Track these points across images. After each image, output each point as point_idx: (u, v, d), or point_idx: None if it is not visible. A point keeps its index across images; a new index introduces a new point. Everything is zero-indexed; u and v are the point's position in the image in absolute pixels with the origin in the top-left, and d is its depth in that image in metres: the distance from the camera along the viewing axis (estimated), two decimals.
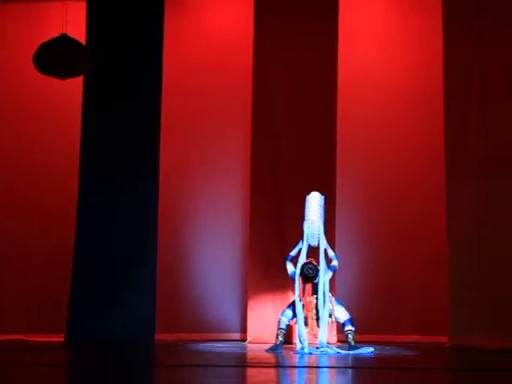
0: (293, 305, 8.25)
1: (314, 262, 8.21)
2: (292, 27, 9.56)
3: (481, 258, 9.07)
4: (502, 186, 9.13)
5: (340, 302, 8.39)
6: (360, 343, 8.32)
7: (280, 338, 8.24)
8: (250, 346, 8.89)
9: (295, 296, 8.16)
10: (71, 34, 8.74)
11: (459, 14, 9.44)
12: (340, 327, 8.58)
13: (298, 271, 8.15)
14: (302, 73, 9.53)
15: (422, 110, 9.77)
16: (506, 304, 8.92)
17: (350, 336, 8.24)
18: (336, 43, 9.54)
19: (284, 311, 8.35)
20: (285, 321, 8.28)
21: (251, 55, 9.61)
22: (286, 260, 8.37)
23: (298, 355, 7.84)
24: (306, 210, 8.25)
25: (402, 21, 9.99)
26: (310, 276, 8.15)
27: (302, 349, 7.97)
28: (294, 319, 8.23)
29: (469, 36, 9.35)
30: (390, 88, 9.89)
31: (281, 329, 8.27)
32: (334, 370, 6.84)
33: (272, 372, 6.74)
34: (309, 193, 8.40)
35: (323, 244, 8.23)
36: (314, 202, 8.25)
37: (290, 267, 8.31)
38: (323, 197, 8.37)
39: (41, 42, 8.70)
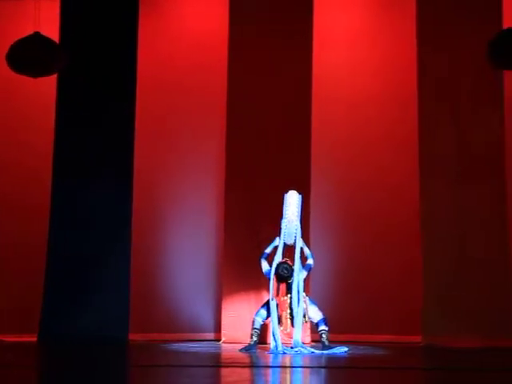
0: (267, 304, 8.25)
1: (289, 262, 8.20)
2: (266, 27, 9.56)
3: (454, 259, 9.13)
4: (474, 188, 9.20)
5: (314, 301, 8.39)
6: (334, 343, 8.34)
7: (254, 338, 8.24)
8: (224, 346, 8.88)
9: (269, 295, 8.16)
10: (44, 33, 8.69)
11: (432, 15, 9.49)
12: (314, 327, 8.59)
13: (272, 270, 8.15)
14: (276, 72, 9.53)
15: (398, 111, 9.81)
16: (479, 304, 8.99)
17: (323, 336, 8.25)
18: (310, 43, 9.55)
19: (258, 311, 8.34)
20: (259, 321, 8.27)
21: (226, 54, 9.59)
22: (261, 258, 8.36)
23: (272, 355, 7.84)
24: (284, 208, 8.25)
25: (377, 21, 10.02)
26: (284, 276, 8.15)
27: (276, 348, 7.97)
28: (269, 319, 8.23)
29: (442, 38, 9.41)
30: (364, 89, 9.91)
31: (255, 328, 8.26)
32: (308, 370, 6.85)
33: (246, 372, 6.73)
34: (284, 192, 8.41)
35: (299, 243, 8.24)
36: (292, 201, 8.25)
37: (264, 265, 8.29)
38: (300, 196, 8.38)
39: (14, 41, 8.64)
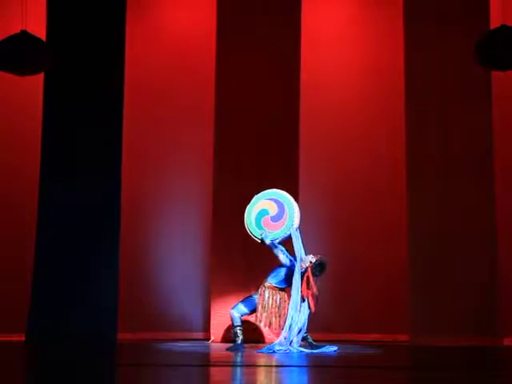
0: (248, 300, 8.22)
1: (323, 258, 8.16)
2: (254, 28, 9.59)
3: (441, 258, 9.17)
4: (462, 187, 9.24)
5: None
6: (322, 342, 8.35)
7: (240, 337, 8.21)
8: (212, 345, 8.88)
9: (296, 293, 7.99)
10: (31, 31, 8.64)
11: (420, 15, 9.53)
12: None
13: (298, 265, 8.03)
14: (264, 72, 9.55)
15: (385, 110, 9.84)
16: (465, 303, 9.03)
17: (309, 337, 8.24)
18: (298, 43, 9.58)
19: (237, 305, 8.29)
20: (238, 316, 8.22)
21: (214, 55, 9.60)
22: (282, 250, 8.22)
23: (261, 354, 7.84)
24: (295, 214, 8.23)
25: (364, 21, 10.04)
26: (320, 274, 8.12)
27: (269, 348, 7.98)
28: (245, 316, 8.24)
29: (428, 37, 9.44)
30: (352, 88, 9.94)
31: (238, 326, 8.21)
32: (297, 369, 6.85)
33: (235, 371, 6.73)
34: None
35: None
36: (298, 213, 8.27)
37: (283, 257, 8.15)
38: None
39: (0, 39, 8.59)
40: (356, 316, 9.56)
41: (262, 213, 8.36)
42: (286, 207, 8.26)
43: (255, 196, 8.44)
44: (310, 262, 8.08)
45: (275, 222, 8.28)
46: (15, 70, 8.69)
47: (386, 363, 7.40)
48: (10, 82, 9.35)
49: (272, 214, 8.30)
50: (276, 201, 8.34)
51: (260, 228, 8.30)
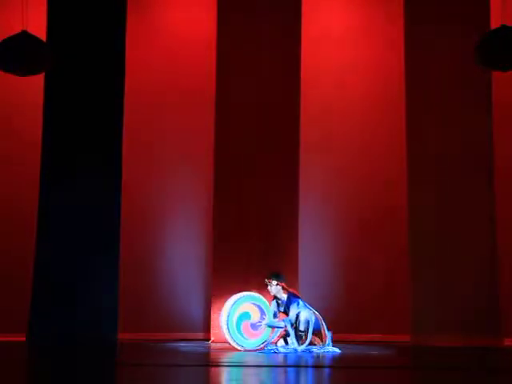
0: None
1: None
2: (255, 28, 9.59)
3: (442, 259, 9.17)
4: (462, 187, 9.25)
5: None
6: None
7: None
8: (213, 346, 8.88)
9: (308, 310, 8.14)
10: (31, 31, 8.64)
11: (419, 16, 9.54)
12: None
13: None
14: (265, 73, 9.57)
15: (385, 110, 9.86)
16: (467, 303, 9.03)
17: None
18: (299, 41, 9.59)
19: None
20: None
21: (215, 55, 9.61)
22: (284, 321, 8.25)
23: (262, 354, 7.85)
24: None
25: (365, 20, 10.06)
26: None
27: (271, 349, 7.98)
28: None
29: (428, 37, 9.45)
30: (353, 90, 9.96)
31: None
32: (298, 369, 6.86)
33: (235, 371, 6.73)
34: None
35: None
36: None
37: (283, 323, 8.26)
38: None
39: (1, 39, 8.60)
40: (357, 316, 9.56)
41: (245, 316, 8.39)
42: (266, 314, 8.30)
43: (238, 296, 8.40)
44: (277, 284, 8.17)
45: (254, 330, 8.32)
46: (16, 70, 8.68)
47: (386, 363, 7.40)
48: (11, 81, 9.36)
49: (253, 319, 8.34)
50: (258, 306, 8.38)
51: (239, 332, 8.30)
